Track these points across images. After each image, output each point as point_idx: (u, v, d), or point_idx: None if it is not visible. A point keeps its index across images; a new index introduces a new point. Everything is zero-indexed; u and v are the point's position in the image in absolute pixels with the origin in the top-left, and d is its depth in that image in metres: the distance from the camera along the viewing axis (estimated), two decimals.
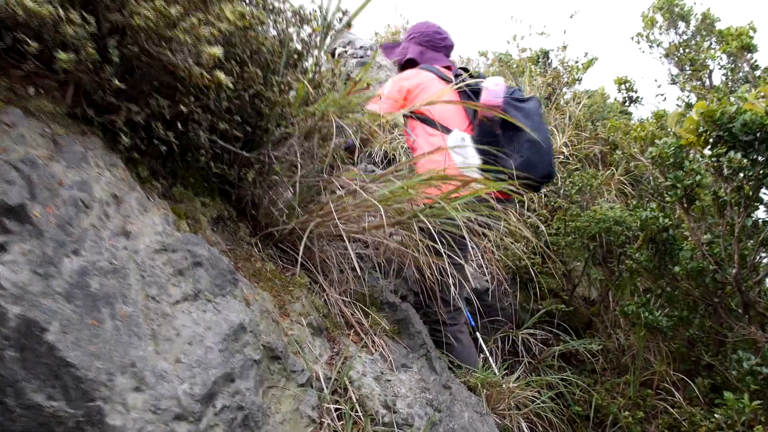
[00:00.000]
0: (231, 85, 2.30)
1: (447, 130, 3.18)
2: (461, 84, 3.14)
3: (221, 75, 1.84)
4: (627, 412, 4.31)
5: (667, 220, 3.95)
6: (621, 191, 6.18)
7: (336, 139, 2.68)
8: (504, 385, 3.04)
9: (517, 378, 3.42)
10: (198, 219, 2.45)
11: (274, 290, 2.44)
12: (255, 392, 1.89)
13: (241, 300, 2.06)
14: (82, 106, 1.97)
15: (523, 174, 2.84)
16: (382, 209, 2.34)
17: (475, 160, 3.00)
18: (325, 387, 2.24)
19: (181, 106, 2.11)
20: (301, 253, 2.53)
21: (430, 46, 3.56)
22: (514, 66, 8.26)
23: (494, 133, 3.14)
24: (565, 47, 7.41)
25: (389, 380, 2.46)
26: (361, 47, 7.89)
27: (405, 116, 3.18)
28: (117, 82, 1.81)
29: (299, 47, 2.85)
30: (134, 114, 2.04)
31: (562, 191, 5.48)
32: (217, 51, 1.74)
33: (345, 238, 2.53)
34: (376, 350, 2.65)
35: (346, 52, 7.61)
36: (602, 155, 6.84)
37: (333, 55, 7.33)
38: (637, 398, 4.55)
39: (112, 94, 1.97)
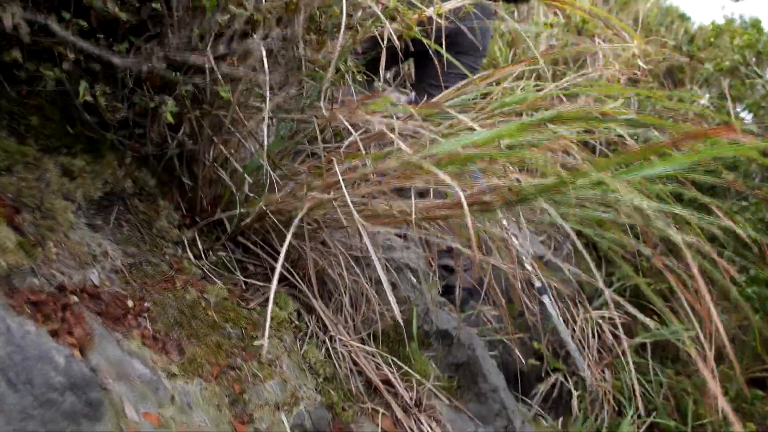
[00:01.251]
0: None
1: None
2: None
3: None
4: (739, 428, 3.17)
5: None
6: (703, 117, 4.80)
7: (342, 36, 1.31)
8: None
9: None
10: (50, 207, 1.13)
11: (222, 356, 1.17)
12: None
13: None
14: None
15: None
16: (451, 181, 1.03)
17: None
18: None
19: None
20: (281, 259, 1.22)
21: None
22: None
23: None
24: None
25: None
26: None
27: None
28: None
29: None
30: None
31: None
32: None
33: (365, 236, 1.22)
34: (419, 430, 1.43)
35: None
36: (671, 70, 5.40)
37: None
38: (742, 401, 3.43)
39: None
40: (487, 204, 1.16)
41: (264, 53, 1.20)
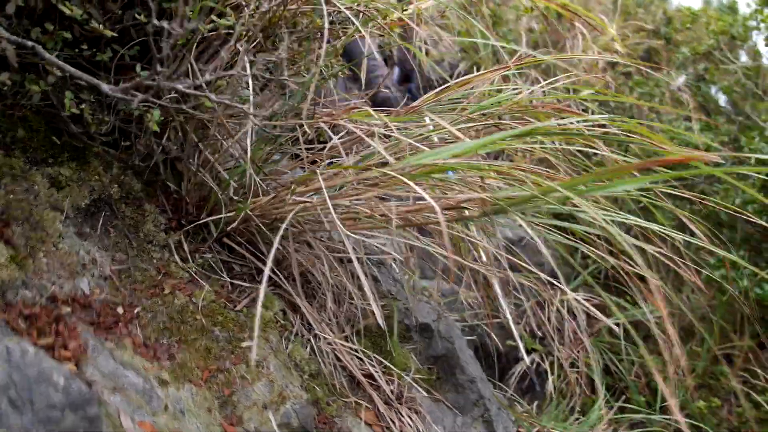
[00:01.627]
0: None
1: None
2: None
3: None
4: (702, 402, 3.35)
5: None
6: (678, 101, 4.88)
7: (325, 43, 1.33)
8: None
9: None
10: (38, 218, 1.16)
11: (211, 360, 1.21)
12: None
13: None
14: None
15: None
16: (425, 194, 1.08)
17: None
18: None
19: None
20: (269, 263, 1.26)
21: None
22: None
23: None
24: None
25: None
26: None
27: None
28: None
29: None
30: None
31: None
32: None
33: (345, 241, 1.27)
34: (400, 422, 1.51)
35: None
36: (649, 53, 5.47)
37: None
38: (709, 377, 3.59)
39: None
40: (463, 211, 1.21)
41: (246, 59, 1.23)
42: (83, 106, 1.09)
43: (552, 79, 1.53)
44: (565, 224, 1.19)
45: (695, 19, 4.81)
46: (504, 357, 3.40)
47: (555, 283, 2.51)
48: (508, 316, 2.61)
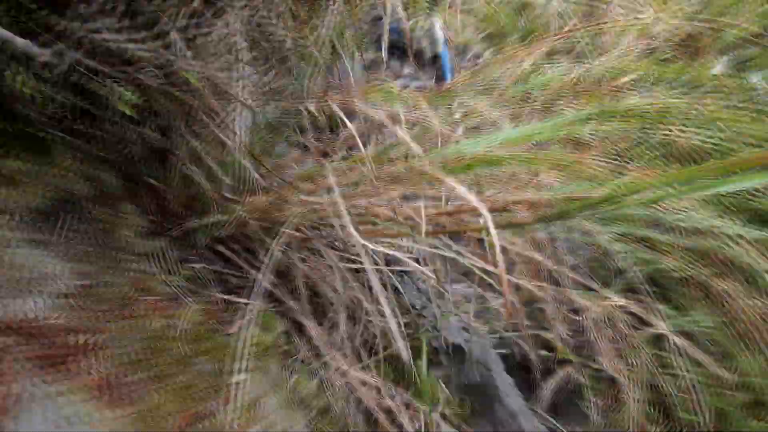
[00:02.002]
0: None
1: None
2: None
3: None
4: (756, 422, 3.03)
5: None
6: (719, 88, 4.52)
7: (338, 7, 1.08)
8: None
9: None
10: None
11: (192, 401, 0.97)
12: None
13: None
14: None
15: None
16: (476, 201, 0.81)
17: None
18: None
19: None
20: (265, 269, 1.02)
21: None
22: None
23: None
24: None
25: None
26: None
27: None
28: None
29: None
30: None
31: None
32: None
33: (363, 249, 1.02)
34: None
35: None
36: (686, 37, 5.10)
37: None
38: (765, 392, 3.26)
39: None
40: (513, 215, 0.95)
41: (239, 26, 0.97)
42: (19, 77, 0.85)
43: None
44: (645, 232, 0.92)
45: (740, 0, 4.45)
46: (531, 367, 3.11)
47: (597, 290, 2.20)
48: (564, 335, 2.33)
